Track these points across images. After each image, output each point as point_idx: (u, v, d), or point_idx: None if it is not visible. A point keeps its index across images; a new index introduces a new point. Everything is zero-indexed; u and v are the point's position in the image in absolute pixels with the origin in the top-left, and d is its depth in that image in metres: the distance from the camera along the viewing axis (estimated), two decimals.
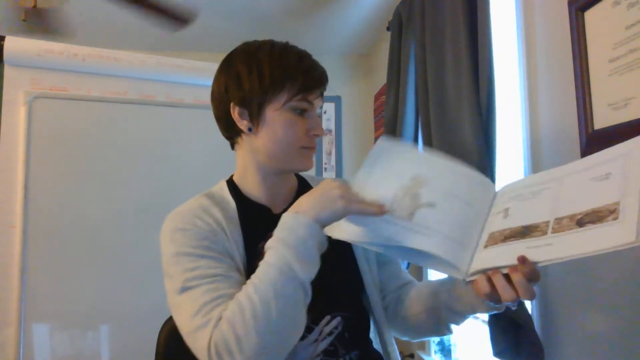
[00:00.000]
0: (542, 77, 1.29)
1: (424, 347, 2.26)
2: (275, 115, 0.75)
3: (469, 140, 1.40)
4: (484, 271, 0.64)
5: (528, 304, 1.27)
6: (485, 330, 1.31)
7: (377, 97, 2.96)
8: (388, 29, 2.26)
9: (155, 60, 1.87)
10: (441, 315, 0.78)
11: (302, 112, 0.77)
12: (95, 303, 1.63)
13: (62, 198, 1.64)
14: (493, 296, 0.61)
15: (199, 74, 1.91)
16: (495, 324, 1.28)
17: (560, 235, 0.60)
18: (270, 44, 0.78)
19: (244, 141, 0.81)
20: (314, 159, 0.81)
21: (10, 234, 1.55)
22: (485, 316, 1.33)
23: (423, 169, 0.76)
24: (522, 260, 0.58)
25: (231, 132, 0.81)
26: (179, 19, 1.95)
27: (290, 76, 0.74)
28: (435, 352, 2.16)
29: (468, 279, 0.66)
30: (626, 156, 0.62)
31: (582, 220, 0.59)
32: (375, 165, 0.77)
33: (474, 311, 0.73)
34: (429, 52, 1.72)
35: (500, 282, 0.60)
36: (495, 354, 1.29)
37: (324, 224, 0.65)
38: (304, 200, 0.67)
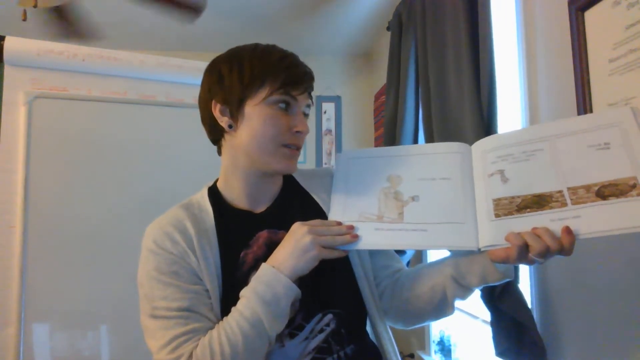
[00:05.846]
0: (542, 77, 1.29)
1: (424, 347, 2.26)
2: (255, 111, 0.73)
3: (470, 139, 1.40)
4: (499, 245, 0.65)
5: (528, 305, 1.27)
6: (485, 330, 1.31)
7: (377, 97, 2.96)
8: (388, 29, 2.27)
9: (155, 60, 1.87)
10: (447, 291, 0.76)
11: (285, 109, 0.74)
12: (95, 303, 1.62)
13: (62, 198, 1.64)
14: (511, 258, 0.63)
15: (199, 74, 1.86)
16: (498, 324, 1.28)
17: (585, 207, 0.61)
18: (255, 44, 0.78)
19: (226, 142, 0.80)
20: (297, 161, 0.77)
21: (10, 234, 1.55)
22: (485, 316, 1.33)
23: (393, 167, 0.79)
24: (568, 231, 0.60)
25: (215, 134, 0.81)
26: (189, 8, 1.96)
27: (272, 71, 0.73)
28: (435, 352, 2.16)
29: (484, 249, 0.67)
30: (619, 126, 0.63)
31: (602, 193, 0.60)
32: (348, 179, 0.81)
33: (484, 281, 0.72)
34: (429, 52, 1.72)
35: (530, 236, 0.62)
36: (498, 353, 1.29)
37: (300, 275, 0.69)
38: (280, 252, 0.70)
